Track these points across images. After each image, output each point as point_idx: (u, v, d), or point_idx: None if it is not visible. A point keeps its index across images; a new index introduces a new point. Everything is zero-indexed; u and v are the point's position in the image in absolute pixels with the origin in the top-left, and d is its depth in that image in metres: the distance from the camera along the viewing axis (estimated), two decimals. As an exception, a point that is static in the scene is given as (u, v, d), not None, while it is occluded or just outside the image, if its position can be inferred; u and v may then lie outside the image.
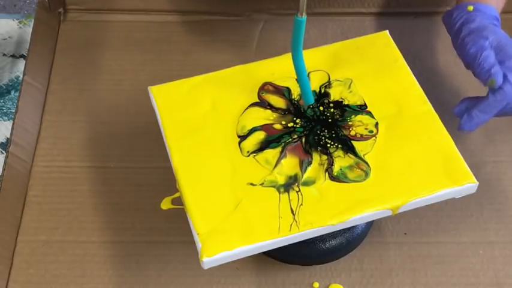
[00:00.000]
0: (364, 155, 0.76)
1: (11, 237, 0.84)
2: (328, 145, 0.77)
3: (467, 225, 0.85)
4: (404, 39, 0.90)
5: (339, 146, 0.76)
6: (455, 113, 0.84)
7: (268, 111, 0.80)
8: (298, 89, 0.81)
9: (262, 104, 0.80)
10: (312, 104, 0.79)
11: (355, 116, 0.79)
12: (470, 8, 0.85)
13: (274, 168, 0.75)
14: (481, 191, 0.80)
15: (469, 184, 0.74)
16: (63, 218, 0.85)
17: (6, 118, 0.96)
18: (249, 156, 0.76)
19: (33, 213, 0.86)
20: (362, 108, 0.80)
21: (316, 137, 0.77)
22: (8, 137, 0.90)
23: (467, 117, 0.81)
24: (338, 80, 0.82)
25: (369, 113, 0.79)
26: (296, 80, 0.79)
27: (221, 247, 0.69)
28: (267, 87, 0.82)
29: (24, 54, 1.02)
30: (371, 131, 0.78)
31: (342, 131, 0.77)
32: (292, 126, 0.78)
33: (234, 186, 0.73)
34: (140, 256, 0.83)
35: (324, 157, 0.76)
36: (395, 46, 0.85)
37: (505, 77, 0.79)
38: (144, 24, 1.04)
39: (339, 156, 0.76)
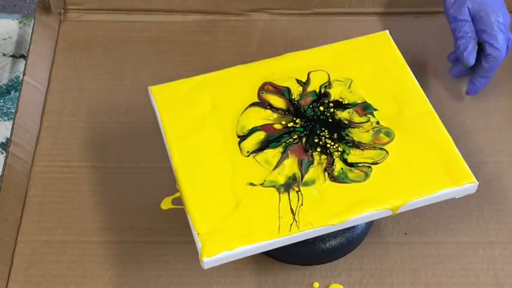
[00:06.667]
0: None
1: (11, 237, 0.84)
2: (328, 145, 0.77)
3: (467, 225, 0.85)
4: (404, 39, 0.90)
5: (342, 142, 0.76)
6: (451, 74, 0.92)
7: (268, 111, 0.80)
8: (299, 89, 0.81)
9: (262, 104, 0.80)
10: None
11: (355, 116, 0.79)
12: None
13: (275, 168, 0.75)
14: (481, 191, 0.80)
15: (469, 184, 0.74)
16: (63, 218, 0.85)
17: (6, 118, 0.96)
18: (248, 156, 0.76)
19: (33, 213, 0.86)
20: (362, 108, 0.80)
21: (316, 137, 0.77)
22: (8, 137, 0.90)
23: (471, 85, 0.91)
24: (338, 80, 0.82)
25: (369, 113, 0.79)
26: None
27: (221, 247, 0.69)
28: (267, 87, 0.82)
29: (24, 54, 1.02)
30: (371, 131, 0.78)
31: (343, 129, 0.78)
32: (292, 126, 0.78)
33: (234, 186, 0.73)
34: (140, 256, 0.82)
35: (324, 157, 0.76)
36: (395, 46, 0.85)
37: (490, 44, 0.85)
38: (143, 24, 1.04)
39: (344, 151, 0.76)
